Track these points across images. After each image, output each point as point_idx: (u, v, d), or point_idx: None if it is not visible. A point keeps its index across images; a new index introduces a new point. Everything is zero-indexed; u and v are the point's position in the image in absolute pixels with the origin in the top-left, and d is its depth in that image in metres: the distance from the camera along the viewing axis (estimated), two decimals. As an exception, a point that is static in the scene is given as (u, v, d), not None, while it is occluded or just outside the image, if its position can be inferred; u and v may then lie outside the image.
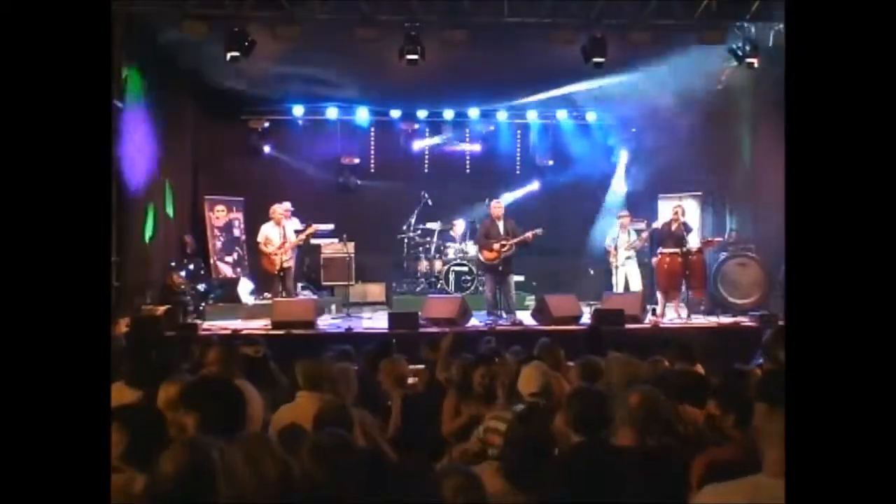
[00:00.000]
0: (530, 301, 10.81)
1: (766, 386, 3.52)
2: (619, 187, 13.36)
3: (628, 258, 10.94)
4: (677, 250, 10.00)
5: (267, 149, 12.94)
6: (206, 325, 9.53)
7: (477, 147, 13.69)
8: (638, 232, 11.02)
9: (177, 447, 2.41)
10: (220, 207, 12.19)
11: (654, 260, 10.67)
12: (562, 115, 13.40)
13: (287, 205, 11.04)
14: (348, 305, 11.15)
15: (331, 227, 11.63)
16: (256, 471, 2.62)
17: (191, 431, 3.10)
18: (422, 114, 13.25)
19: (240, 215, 12.40)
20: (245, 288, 11.44)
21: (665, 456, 3.24)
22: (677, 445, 3.43)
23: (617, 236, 10.99)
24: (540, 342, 5.64)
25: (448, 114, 13.29)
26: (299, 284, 11.50)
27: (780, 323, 8.27)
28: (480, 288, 11.20)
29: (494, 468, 3.04)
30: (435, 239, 12.32)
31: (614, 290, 10.74)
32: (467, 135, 13.72)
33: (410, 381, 5.40)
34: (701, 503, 2.42)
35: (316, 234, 11.18)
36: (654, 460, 3.19)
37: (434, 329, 9.02)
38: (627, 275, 10.89)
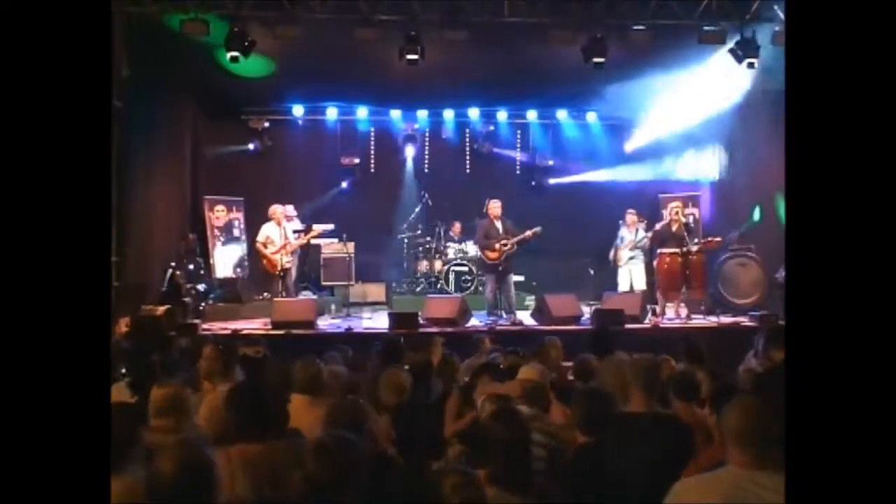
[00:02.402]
0: (530, 301, 10.80)
1: (750, 384, 3.58)
2: (621, 187, 13.38)
3: (632, 258, 10.94)
4: (677, 250, 9.99)
5: (267, 149, 12.94)
6: (206, 325, 9.52)
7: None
8: (645, 231, 11.01)
9: (173, 447, 2.41)
10: (220, 207, 12.18)
11: (655, 260, 10.69)
12: (562, 114, 13.40)
13: (290, 208, 11.06)
14: (348, 305, 11.15)
15: (331, 227, 11.63)
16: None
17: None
18: (422, 114, 13.25)
19: (240, 215, 12.39)
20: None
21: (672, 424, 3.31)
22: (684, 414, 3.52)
23: (623, 235, 11.01)
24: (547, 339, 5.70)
25: (448, 114, 13.29)
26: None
27: (781, 322, 8.27)
28: (480, 288, 11.19)
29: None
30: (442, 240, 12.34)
31: (619, 289, 10.75)
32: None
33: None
34: (676, 502, 2.44)
35: (319, 236, 11.18)
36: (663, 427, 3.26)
37: (434, 329, 9.03)
38: (632, 274, 10.90)
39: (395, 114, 13.16)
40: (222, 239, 12.13)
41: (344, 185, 13.17)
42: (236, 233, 12.30)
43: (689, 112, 12.02)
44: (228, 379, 4.29)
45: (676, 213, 10.26)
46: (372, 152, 13.49)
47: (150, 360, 4.80)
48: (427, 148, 13.64)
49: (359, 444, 2.66)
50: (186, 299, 9.96)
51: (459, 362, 5.55)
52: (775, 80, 9.27)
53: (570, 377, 5.24)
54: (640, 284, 10.80)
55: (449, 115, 13.30)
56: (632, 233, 10.97)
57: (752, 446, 2.34)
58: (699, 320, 9.95)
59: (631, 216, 11.04)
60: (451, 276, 11.66)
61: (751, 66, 9.47)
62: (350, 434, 2.74)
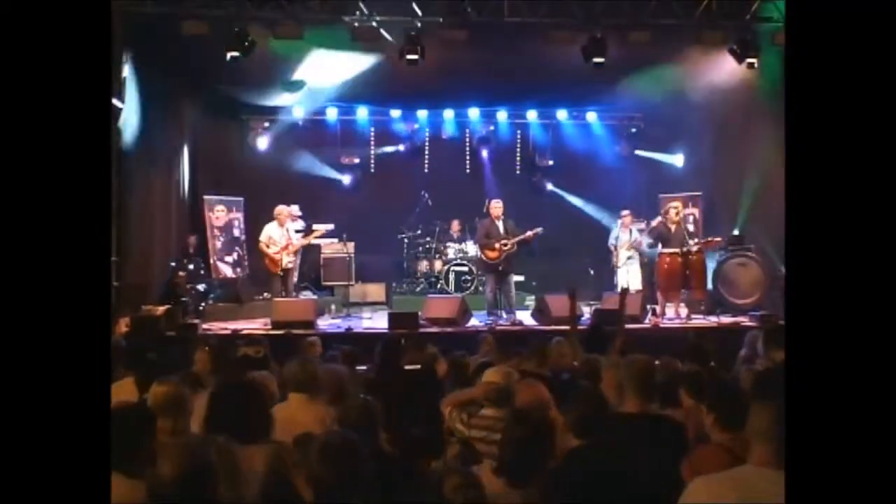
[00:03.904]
0: (530, 301, 10.81)
1: (758, 384, 3.57)
2: (620, 186, 13.40)
3: (629, 258, 10.97)
4: (677, 250, 10.00)
5: (267, 148, 12.95)
6: (206, 325, 9.52)
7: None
8: (640, 231, 11.05)
9: (174, 448, 2.41)
10: (219, 207, 12.15)
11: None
12: (562, 114, 13.41)
13: (295, 208, 11.06)
14: (348, 305, 11.15)
15: (331, 227, 11.63)
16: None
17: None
18: (422, 114, 13.26)
19: (240, 215, 12.36)
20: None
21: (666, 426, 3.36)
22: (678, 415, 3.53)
23: (618, 235, 11.03)
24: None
25: (448, 114, 13.30)
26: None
27: (781, 322, 8.26)
28: (480, 288, 11.20)
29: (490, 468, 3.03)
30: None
31: (617, 289, 10.75)
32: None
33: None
34: (691, 502, 2.43)
35: (320, 236, 11.18)
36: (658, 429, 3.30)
37: (434, 329, 9.03)
38: (629, 274, 10.91)
39: (395, 114, 13.17)
40: (222, 239, 12.13)
41: (344, 180, 13.18)
42: (236, 233, 12.29)
43: (687, 111, 12.02)
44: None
45: (676, 213, 10.25)
46: (372, 152, 13.50)
47: (149, 360, 4.79)
48: (427, 148, 13.65)
49: (362, 444, 2.66)
50: (186, 299, 9.96)
51: (471, 362, 5.54)
52: (775, 80, 9.28)
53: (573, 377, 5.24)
54: (637, 284, 10.83)
55: (449, 115, 13.31)
56: (626, 233, 11.01)
57: (773, 445, 2.32)
58: (699, 320, 9.94)
59: (626, 217, 11.07)
60: (451, 276, 11.67)
61: (751, 66, 9.47)
62: (356, 434, 2.73)
